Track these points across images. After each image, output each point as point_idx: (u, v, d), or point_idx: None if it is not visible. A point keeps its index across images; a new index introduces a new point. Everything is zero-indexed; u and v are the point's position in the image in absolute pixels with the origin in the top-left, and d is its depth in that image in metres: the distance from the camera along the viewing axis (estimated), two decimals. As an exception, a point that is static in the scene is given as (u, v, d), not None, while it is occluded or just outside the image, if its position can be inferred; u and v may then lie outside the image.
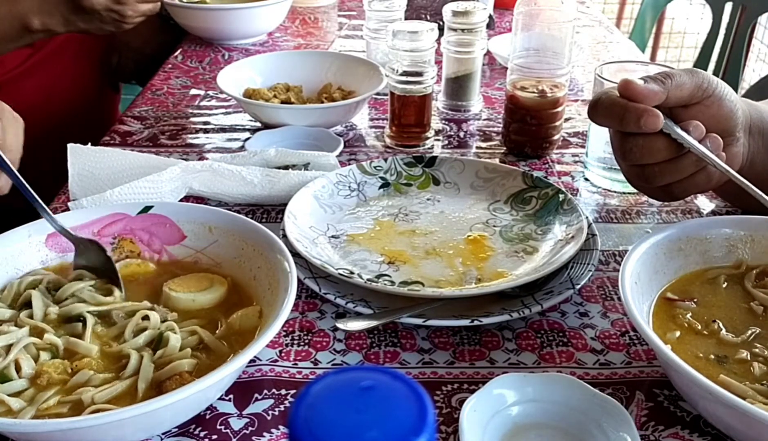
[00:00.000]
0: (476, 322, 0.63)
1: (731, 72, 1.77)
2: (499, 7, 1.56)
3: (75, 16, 1.10)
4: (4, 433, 0.50)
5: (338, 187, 0.83)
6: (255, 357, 0.62)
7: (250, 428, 0.56)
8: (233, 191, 0.85)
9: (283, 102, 1.06)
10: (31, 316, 0.61)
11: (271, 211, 0.85)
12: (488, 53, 1.25)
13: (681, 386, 0.57)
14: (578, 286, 0.68)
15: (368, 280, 0.68)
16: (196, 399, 0.54)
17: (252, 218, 0.71)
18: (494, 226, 0.79)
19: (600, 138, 0.88)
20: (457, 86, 1.10)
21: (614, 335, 0.66)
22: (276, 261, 0.63)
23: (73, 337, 0.60)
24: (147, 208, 0.71)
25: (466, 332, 0.66)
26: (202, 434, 0.56)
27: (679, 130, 0.67)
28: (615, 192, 0.90)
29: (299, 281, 0.64)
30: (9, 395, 0.54)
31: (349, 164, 0.88)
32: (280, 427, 0.57)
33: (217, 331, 0.61)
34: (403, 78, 0.96)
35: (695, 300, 0.65)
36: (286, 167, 0.88)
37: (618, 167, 0.75)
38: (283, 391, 0.60)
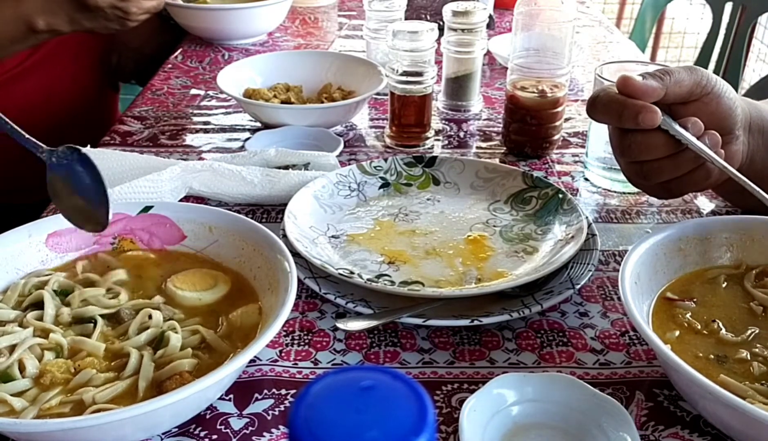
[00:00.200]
0: (476, 322, 0.63)
1: (731, 72, 1.77)
2: (499, 7, 1.56)
3: (80, 15, 1.10)
4: (5, 433, 0.50)
5: (338, 187, 0.83)
6: (255, 357, 0.62)
7: (250, 428, 0.56)
8: (233, 191, 0.85)
9: (283, 102, 1.06)
10: (39, 318, 0.61)
11: (271, 211, 0.86)
12: (488, 53, 1.25)
13: (681, 386, 0.57)
14: (578, 286, 0.68)
15: (368, 280, 0.68)
16: (196, 399, 0.54)
17: (252, 218, 0.71)
18: (494, 226, 0.79)
19: (600, 138, 0.88)
20: (457, 86, 1.10)
21: (614, 335, 0.66)
22: (276, 261, 0.63)
23: (79, 336, 0.60)
24: (147, 208, 0.72)
25: (466, 332, 0.66)
26: (202, 434, 0.56)
27: (677, 127, 0.67)
28: (615, 192, 0.90)
29: (299, 281, 0.64)
30: (12, 395, 0.54)
31: (349, 164, 0.88)
32: (280, 427, 0.57)
33: (218, 330, 0.61)
34: (403, 78, 0.96)
35: (695, 300, 0.65)
36: (286, 167, 0.88)
37: (618, 167, 0.75)
38: (283, 391, 0.60)
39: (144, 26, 1.19)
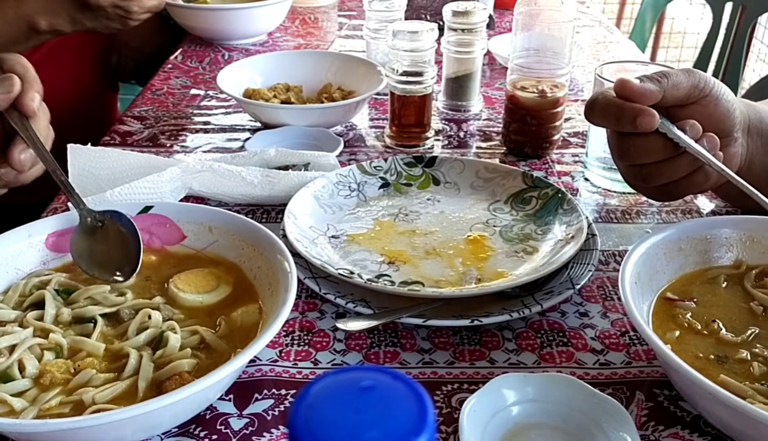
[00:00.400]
0: (476, 322, 0.63)
1: (731, 72, 1.77)
2: (499, 7, 1.56)
3: (81, 15, 1.10)
4: (5, 433, 0.50)
5: (338, 187, 0.83)
6: (255, 357, 0.62)
7: (250, 428, 0.56)
8: (233, 191, 0.85)
9: (283, 102, 1.06)
10: (39, 318, 0.61)
11: (271, 211, 0.85)
12: (488, 53, 1.25)
13: (681, 386, 0.57)
14: (578, 286, 0.68)
15: (368, 280, 0.68)
16: (196, 399, 0.54)
17: (252, 218, 0.71)
18: (494, 226, 0.79)
19: (600, 138, 0.88)
20: (457, 86, 1.10)
21: (614, 335, 0.66)
22: (276, 261, 0.63)
23: (79, 337, 0.60)
24: (147, 208, 0.72)
25: (466, 332, 0.66)
26: (202, 434, 0.56)
27: (675, 130, 0.67)
28: (615, 192, 0.90)
29: (299, 281, 0.64)
30: (12, 395, 0.54)
31: (349, 164, 0.88)
32: (280, 427, 0.57)
33: (218, 330, 0.61)
34: (403, 78, 0.96)
35: (695, 300, 0.65)
36: (286, 167, 0.88)
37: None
38: (283, 391, 0.60)
39: (144, 26, 1.19)
